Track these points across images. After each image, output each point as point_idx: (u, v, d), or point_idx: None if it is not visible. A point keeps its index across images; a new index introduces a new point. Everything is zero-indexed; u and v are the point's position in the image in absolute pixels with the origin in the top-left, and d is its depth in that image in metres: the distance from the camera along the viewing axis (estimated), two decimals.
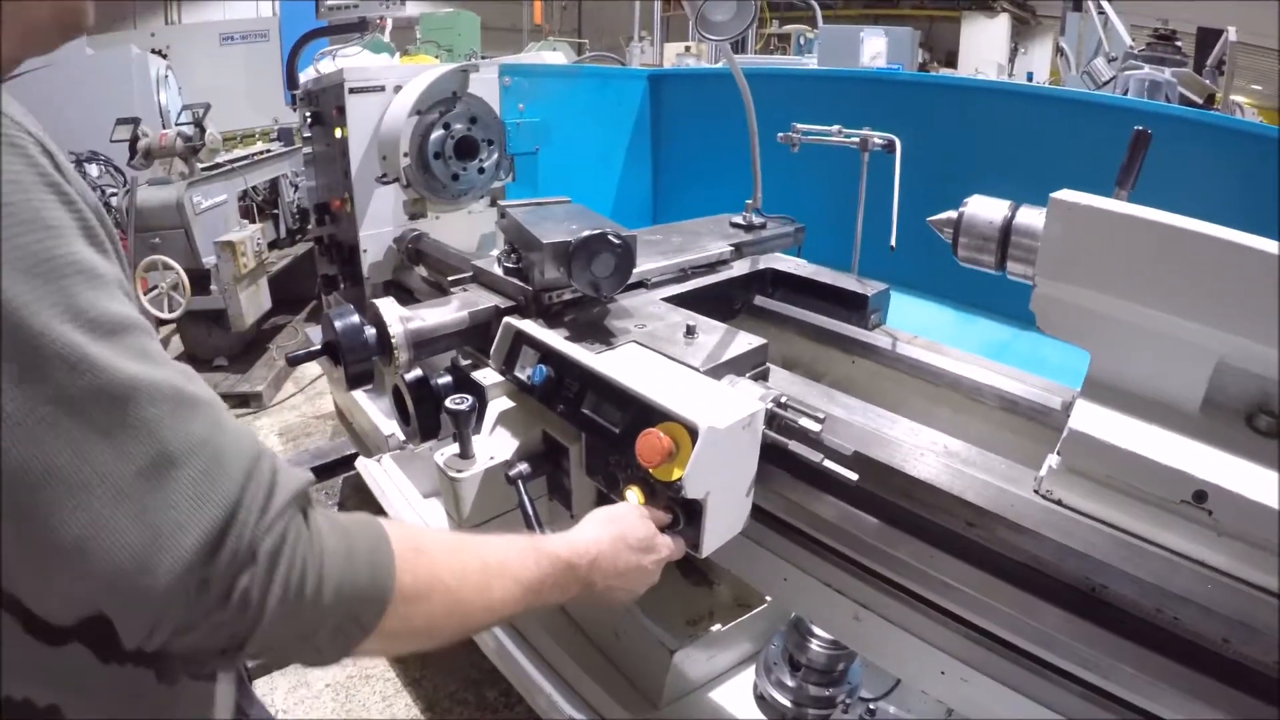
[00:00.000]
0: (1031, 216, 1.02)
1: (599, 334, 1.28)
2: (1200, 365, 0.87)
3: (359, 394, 2.44)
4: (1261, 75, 10.97)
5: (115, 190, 4.10)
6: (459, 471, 1.19)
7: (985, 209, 1.07)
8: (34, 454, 0.47)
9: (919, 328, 1.57)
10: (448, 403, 1.19)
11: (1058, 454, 0.93)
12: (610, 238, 1.27)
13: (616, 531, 0.94)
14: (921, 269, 1.73)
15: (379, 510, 2.21)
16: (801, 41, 8.17)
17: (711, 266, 1.69)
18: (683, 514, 1.03)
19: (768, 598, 1.53)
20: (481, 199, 2.27)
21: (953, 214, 1.10)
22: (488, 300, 1.42)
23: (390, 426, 2.28)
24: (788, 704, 1.46)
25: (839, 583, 1.13)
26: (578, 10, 14.67)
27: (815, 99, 2.90)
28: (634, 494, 1.07)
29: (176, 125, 4.79)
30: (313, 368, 4.13)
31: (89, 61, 6.00)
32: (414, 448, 1.79)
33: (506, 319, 1.36)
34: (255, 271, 4.10)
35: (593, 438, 1.16)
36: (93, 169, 4.88)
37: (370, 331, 1.27)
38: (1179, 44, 4.34)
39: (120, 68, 6.01)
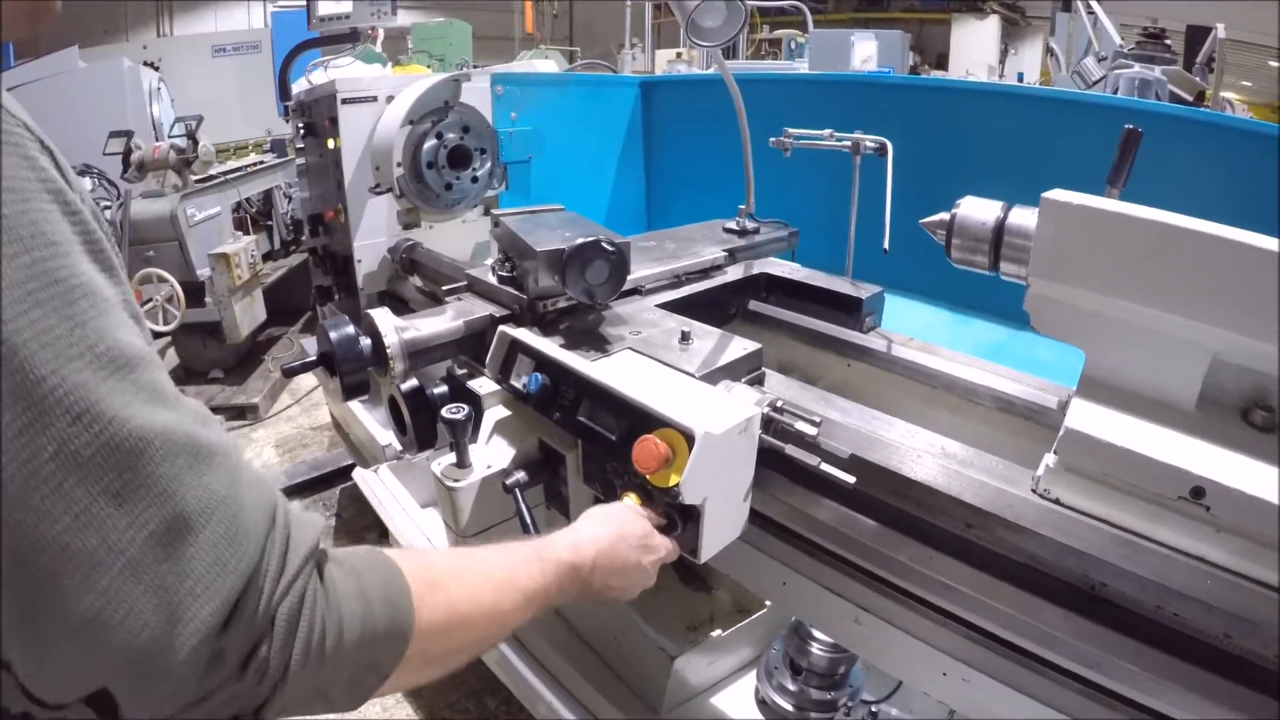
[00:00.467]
0: (1024, 217, 1.02)
1: (594, 341, 1.28)
2: (1195, 361, 0.87)
3: (355, 405, 2.44)
4: (1251, 71, 11.05)
5: (109, 203, 4.09)
6: (456, 481, 1.19)
7: (978, 210, 1.07)
8: (36, 521, 0.42)
9: (914, 330, 1.58)
10: (444, 412, 1.18)
11: (1055, 453, 0.93)
12: (604, 245, 1.27)
13: (615, 528, 0.95)
14: (915, 271, 1.72)
15: (376, 521, 2.21)
16: (792, 46, 8.23)
17: (706, 272, 1.69)
18: (680, 520, 1.02)
19: (767, 602, 1.53)
20: (475, 208, 2.26)
21: (945, 216, 1.10)
22: (483, 309, 1.42)
23: (387, 437, 2.27)
24: (790, 708, 1.46)
25: (839, 586, 1.13)
26: (569, 18, 14.71)
27: (807, 103, 2.90)
28: (631, 500, 1.07)
29: (169, 138, 4.78)
30: (309, 379, 4.11)
31: (81, 74, 6.02)
32: (411, 458, 1.79)
33: (501, 328, 1.36)
34: (250, 283, 4.10)
35: (589, 445, 1.15)
36: (86, 182, 4.87)
37: (365, 342, 1.27)
38: (1168, 42, 4.35)
39: (112, 80, 6.01)
